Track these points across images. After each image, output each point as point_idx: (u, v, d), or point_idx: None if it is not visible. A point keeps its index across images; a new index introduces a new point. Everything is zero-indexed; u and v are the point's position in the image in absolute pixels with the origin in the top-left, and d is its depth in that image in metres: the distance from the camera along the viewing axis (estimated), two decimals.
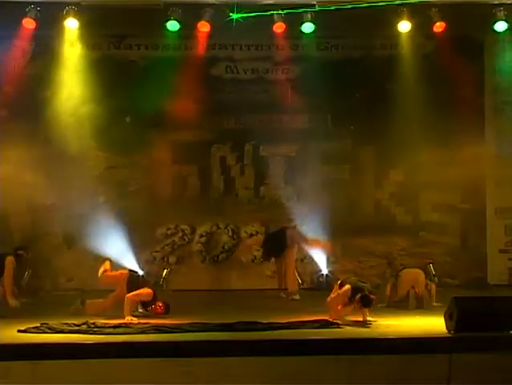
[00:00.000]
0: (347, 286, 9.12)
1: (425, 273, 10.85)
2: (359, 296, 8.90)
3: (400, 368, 7.47)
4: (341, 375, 7.42)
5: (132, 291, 9.71)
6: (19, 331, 8.34)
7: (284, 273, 12.05)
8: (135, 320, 9.20)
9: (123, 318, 9.27)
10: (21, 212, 13.32)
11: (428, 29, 12.76)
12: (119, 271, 10.34)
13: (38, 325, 8.55)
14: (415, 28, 12.74)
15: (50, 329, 8.42)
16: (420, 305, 10.24)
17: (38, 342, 7.76)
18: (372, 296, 9.00)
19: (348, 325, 8.76)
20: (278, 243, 12.03)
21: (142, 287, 9.87)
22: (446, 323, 8.08)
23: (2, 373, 7.23)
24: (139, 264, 11.84)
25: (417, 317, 9.45)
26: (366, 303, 8.90)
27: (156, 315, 9.64)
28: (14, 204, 13.19)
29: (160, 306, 9.79)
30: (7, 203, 13.10)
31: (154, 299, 9.80)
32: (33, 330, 8.36)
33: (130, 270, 10.48)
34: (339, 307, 9.08)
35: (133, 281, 10.01)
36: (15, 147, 13.04)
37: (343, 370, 7.43)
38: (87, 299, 10.02)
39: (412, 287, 10.37)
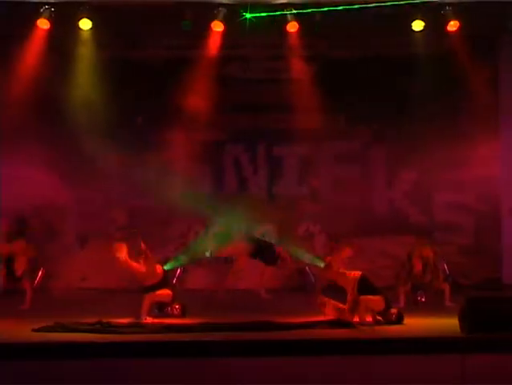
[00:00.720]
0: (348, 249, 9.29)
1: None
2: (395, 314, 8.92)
3: (413, 369, 7.44)
4: (354, 376, 7.40)
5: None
6: (34, 330, 8.38)
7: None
8: (149, 320, 9.21)
9: (138, 317, 9.27)
10: (34, 212, 13.38)
11: (442, 28, 12.71)
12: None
13: (53, 324, 8.59)
14: (429, 27, 12.69)
15: (64, 328, 8.45)
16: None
17: (52, 340, 7.79)
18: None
19: (362, 325, 8.76)
20: (268, 256, 11.92)
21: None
22: (460, 324, 8.05)
23: (17, 371, 7.26)
24: None
25: (431, 317, 9.42)
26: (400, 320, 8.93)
27: (172, 316, 9.60)
28: (27, 203, 13.25)
29: (176, 308, 9.74)
30: (20, 202, 13.17)
31: (172, 301, 9.77)
32: (47, 329, 8.39)
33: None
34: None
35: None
36: (28, 147, 13.10)
37: (356, 371, 7.41)
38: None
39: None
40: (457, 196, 13.53)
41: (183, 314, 9.67)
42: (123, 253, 9.70)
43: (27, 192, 13.13)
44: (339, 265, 9.39)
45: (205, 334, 8.15)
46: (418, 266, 10.88)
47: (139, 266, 9.78)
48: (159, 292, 9.66)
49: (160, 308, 9.76)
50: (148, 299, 9.50)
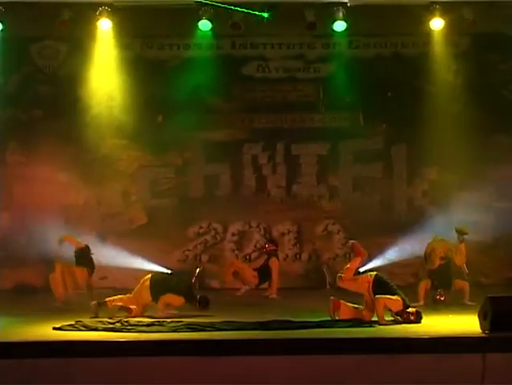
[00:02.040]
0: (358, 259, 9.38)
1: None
2: (414, 313, 8.92)
3: (433, 368, 7.41)
4: (373, 375, 7.39)
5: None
6: (54, 329, 8.44)
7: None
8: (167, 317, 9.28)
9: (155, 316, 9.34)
10: (54, 212, 13.46)
11: (461, 26, 12.65)
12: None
13: (73, 322, 8.65)
14: (448, 25, 12.64)
15: (84, 326, 8.51)
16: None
17: (72, 339, 7.85)
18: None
19: (380, 324, 8.75)
20: (265, 273, 11.92)
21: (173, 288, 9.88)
22: (480, 323, 8.01)
23: (37, 369, 7.31)
24: None
25: (450, 316, 9.39)
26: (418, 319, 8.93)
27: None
28: (47, 203, 13.33)
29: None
30: (41, 202, 13.26)
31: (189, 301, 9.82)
32: (67, 328, 8.46)
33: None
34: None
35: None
36: (49, 147, 13.19)
37: (375, 370, 7.40)
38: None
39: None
40: (476, 195, 13.45)
41: (205, 306, 9.71)
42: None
43: (48, 192, 13.22)
44: (351, 274, 9.31)
45: (224, 332, 8.17)
46: (437, 264, 10.84)
47: None
48: (171, 300, 9.75)
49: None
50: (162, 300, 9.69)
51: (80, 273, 10.90)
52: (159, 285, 9.83)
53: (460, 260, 11.01)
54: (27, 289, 12.68)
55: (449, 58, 13.14)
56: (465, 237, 11.02)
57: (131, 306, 9.65)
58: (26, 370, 7.28)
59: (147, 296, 9.79)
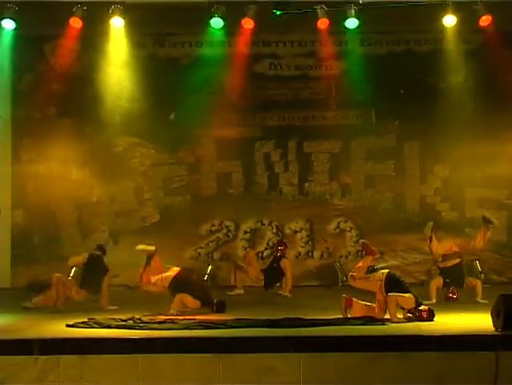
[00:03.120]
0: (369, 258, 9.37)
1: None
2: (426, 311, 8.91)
3: (446, 366, 7.39)
4: (385, 372, 7.38)
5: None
6: (67, 326, 8.48)
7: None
8: (179, 315, 9.29)
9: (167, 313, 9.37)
10: (67, 209, 13.52)
11: (474, 23, 12.60)
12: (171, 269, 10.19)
13: (86, 320, 8.69)
14: (460, 22, 12.59)
15: (97, 324, 8.53)
16: None
17: (85, 336, 7.88)
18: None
19: (393, 322, 8.74)
20: (276, 274, 11.96)
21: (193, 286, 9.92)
22: (493, 321, 7.98)
23: (51, 366, 7.35)
24: None
25: (463, 314, 9.36)
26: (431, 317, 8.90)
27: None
28: (60, 201, 13.41)
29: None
30: (54, 200, 13.34)
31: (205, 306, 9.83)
32: (81, 325, 8.49)
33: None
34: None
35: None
36: (62, 145, 13.25)
37: (387, 368, 7.39)
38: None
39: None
40: (489, 192, 13.41)
41: (221, 310, 9.70)
42: None
43: (61, 190, 13.29)
44: (362, 273, 9.30)
45: (236, 330, 8.18)
46: (450, 262, 10.81)
47: None
48: (186, 300, 9.72)
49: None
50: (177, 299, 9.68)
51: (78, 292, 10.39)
52: (180, 283, 9.84)
53: (479, 244, 10.96)
54: (40, 286, 12.72)
55: (462, 55, 13.09)
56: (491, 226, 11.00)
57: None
58: (41, 367, 7.33)
59: (166, 284, 9.83)
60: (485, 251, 13.09)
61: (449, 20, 12.55)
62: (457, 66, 13.14)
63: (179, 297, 9.64)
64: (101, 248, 11.03)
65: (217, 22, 12.62)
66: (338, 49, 13.52)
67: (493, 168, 13.18)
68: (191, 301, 9.69)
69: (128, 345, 7.56)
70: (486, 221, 10.94)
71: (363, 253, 9.92)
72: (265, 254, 13.51)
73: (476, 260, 12.64)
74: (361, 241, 9.99)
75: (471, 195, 13.53)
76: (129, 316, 8.93)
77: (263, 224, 13.64)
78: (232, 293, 11.78)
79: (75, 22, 12.44)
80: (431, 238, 10.90)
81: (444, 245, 10.91)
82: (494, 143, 13.07)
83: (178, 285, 9.81)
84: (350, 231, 13.56)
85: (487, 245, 12.42)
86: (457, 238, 11.23)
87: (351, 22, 12.58)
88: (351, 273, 9.39)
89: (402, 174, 13.71)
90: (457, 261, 10.82)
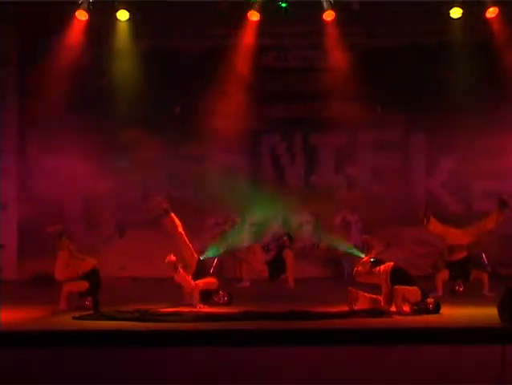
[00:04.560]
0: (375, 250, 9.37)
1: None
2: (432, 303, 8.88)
3: (452, 359, 7.39)
4: (391, 365, 7.38)
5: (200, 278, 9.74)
6: (74, 318, 8.50)
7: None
8: (204, 307, 9.28)
9: (183, 306, 9.36)
10: (73, 202, 13.54)
11: (480, 15, 12.54)
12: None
13: (92, 312, 8.70)
14: (467, 14, 12.54)
15: (103, 316, 8.56)
16: None
17: (92, 328, 7.90)
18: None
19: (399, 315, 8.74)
20: (280, 266, 11.93)
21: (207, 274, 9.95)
22: (500, 314, 7.98)
23: (57, 358, 7.37)
24: None
25: (469, 307, 9.35)
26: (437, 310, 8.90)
27: (219, 305, 9.64)
28: (66, 193, 13.42)
29: (223, 296, 9.79)
30: (60, 192, 13.35)
31: (218, 289, 9.83)
32: (87, 317, 8.51)
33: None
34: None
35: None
36: (68, 137, 13.24)
37: (394, 360, 7.39)
38: None
39: None
40: (495, 185, 13.36)
41: (230, 302, 9.71)
42: None
43: (67, 183, 13.30)
44: (367, 267, 9.30)
45: (243, 322, 8.19)
46: (456, 255, 10.79)
47: None
48: (206, 280, 9.77)
49: (206, 296, 9.76)
50: (198, 287, 9.58)
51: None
52: (201, 267, 9.97)
53: (491, 225, 10.92)
54: (47, 279, 12.75)
55: (469, 47, 13.03)
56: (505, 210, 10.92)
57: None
58: (49, 360, 7.35)
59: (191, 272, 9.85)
60: (492, 244, 13.08)
61: (456, 12, 12.50)
62: (463, 58, 13.08)
63: (198, 287, 9.60)
64: None
65: (222, 14, 12.58)
66: (344, 41, 13.46)
67: (501, 161, 13.14)
68: (209, 280, 9.77)
69: (135, 337, 7.57)
70: (502, 204, 10.87)
71: (366, 248, 9.90)
72: (270, 247, 13.50)
73: (483, 252, 12.62)
74: (363, 236, 9.98)
75: (478, 187, 13.50)
76: (136, 308, 8.95)
77: (269, 217, 13.63)
78: (238, 285, 11.78)
79: (81, 15, 12.44)
80: (428, 218, 10.77)
81: (444, 228, 10.83)
82: (501, 135, 13.04)
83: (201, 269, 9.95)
84: (356, 223, 13.55)
85: (494, 238, 12.47)
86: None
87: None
88: (355, 269, 9.39)
89: (408, 166, 13.70)
90: (464, 254, 10.80)
